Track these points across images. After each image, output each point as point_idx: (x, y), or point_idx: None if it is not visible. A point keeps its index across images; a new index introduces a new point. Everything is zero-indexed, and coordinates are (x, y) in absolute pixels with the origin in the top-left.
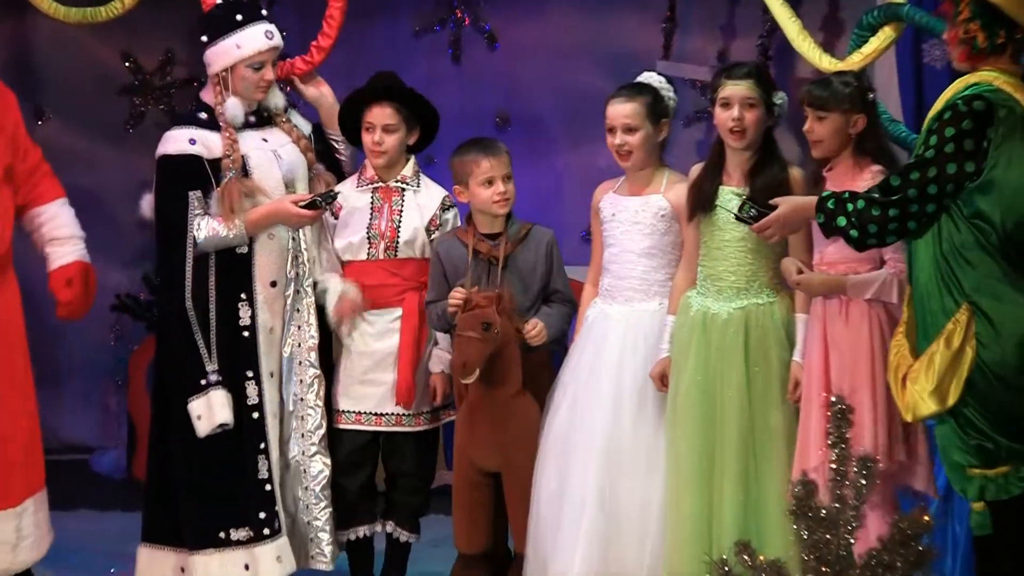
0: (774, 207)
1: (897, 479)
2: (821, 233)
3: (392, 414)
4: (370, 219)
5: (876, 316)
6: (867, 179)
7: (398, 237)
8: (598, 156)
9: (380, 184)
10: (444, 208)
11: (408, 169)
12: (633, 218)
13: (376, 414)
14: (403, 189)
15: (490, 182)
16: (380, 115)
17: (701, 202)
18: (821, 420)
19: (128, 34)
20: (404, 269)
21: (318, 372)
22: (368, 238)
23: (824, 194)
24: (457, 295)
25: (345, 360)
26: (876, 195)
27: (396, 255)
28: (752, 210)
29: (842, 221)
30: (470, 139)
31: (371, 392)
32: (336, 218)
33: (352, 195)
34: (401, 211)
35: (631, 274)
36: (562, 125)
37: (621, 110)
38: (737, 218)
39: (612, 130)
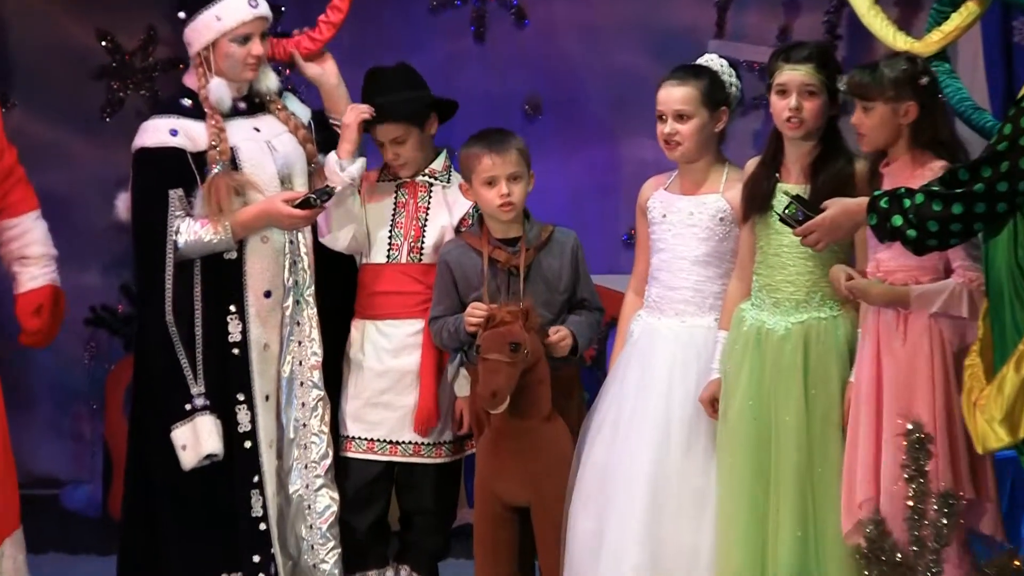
0: (821, 210)
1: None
2: (875, 237)
3: (409, 443)
4: (393, 216)
5: (938, 332)
6: (928, 177)
7: (423, 238)
8: (643, 148)
9: (405, 179)
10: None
11: (438, 162)
12: (687, 220)
13: (391, 442)
14: (431, 184)
15: (491, 183)
16: (385, 132)
17: (755, 201)
18: (871, 449)
19: (105, 9)
20: (429, 276)
21: (322, 394)
22: (389, 238)
23: (876, 192)
24: (478, 311)
25: (355, 379)
26: (937, 188)
27: (421, 259)
28: (799, 212)
29: (898, 220)
30: (482, 130)
31: (386, 417)
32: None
33: (374, 187)
34: (428, 208)
35: (683, 284)
36: (601, 113)
37: (673, 94)
38: (781, 219)
39: (662, 117)
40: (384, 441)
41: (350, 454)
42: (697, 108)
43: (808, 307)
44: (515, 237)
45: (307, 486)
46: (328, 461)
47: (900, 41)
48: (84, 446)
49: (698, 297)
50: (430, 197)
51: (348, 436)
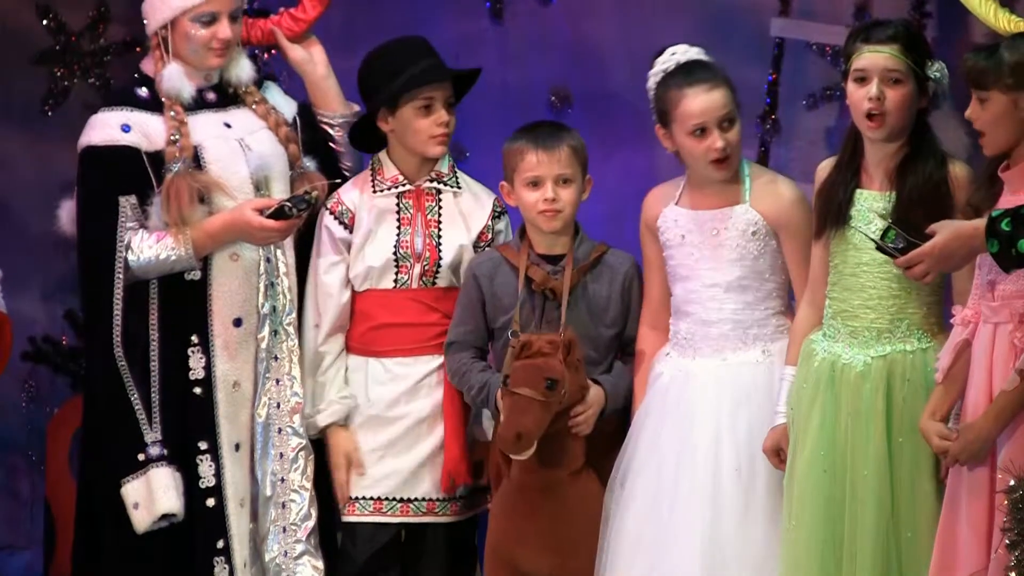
0: (925, 235)
1: None
2: (997, 265)
3: (422, 500)
4: (398, 234)
5: None
6: None
7: (440, 258)
8: None
9: (407, 186)
10: (496, 215)
11: (444, 164)
12: (713, 240)
13: (401, 500)
14: (438, 191)
15: (535, 184)
16: (439, 92)
17: (831, 213)
18: (980, 509)
19: None
20: (445, 302)
21: (304, 442)
22: (396, 260)
23: (994, 213)
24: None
25: (357, 428)
26: None
27: (435, 282)
28: (899, 238)
29: None
30: (533, 122)
31: (395, 469)
32: (348, 229)
33: (367, 202)
34: (439, 222)
35: (718, 316)
36: (643, 107)
37: (715, 100)
38: (878, 247)
39: (704, 130)
40: (393, 499)
41: (354, 518)
42: (736, 111)
43: (892, 338)
44: (559, 255)
45: (285, 553)
46: (311, 523)
47: (1003, 20)
48: (21, 506)
49: (738, 329)
50: (440, 207)
51: (352, 496)
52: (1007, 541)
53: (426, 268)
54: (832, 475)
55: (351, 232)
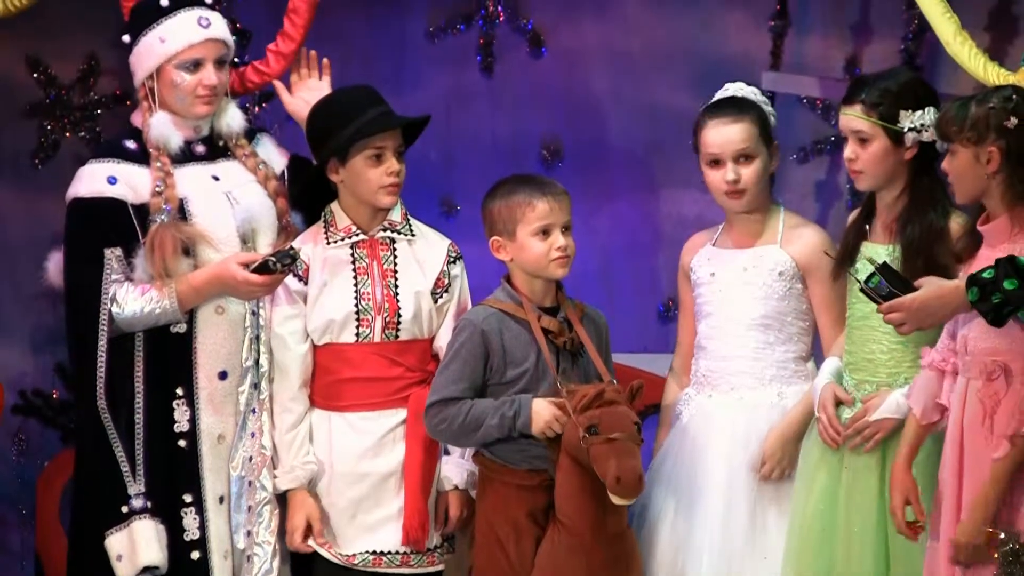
0: (913, 287)
1: None
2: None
3: (396, 553)
4: (356, 286)
5: None
6: None
7: (399, 309)
8: (683, 202)
9: (360, 236)
10: (451, 260)
11: (396, 212)
12: (741, 278)
13: (374, 553)
14: (392, 240)
15: (546, 232)
16: (390, 139)
17: (841, 260)
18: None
19: (37, 34)
20: (407, 355)
21: (268, 496)
22: (357, 312)
23: (971, 275)
24: (556, 405)
25: (322, 485)
26: None
27: (398, 335)
28: (882, 284)
29: (1011, 283)
30: (515, 176)
31: (367, 526)
32: (303, 281)
33: (321, 253)
34: (396, 271)
35: (738, 352)
36: (633, 159)
37: (731, 133)
38: (862, 290)
39: (718, 162)
40: (366, 552)
41: (329, 554)
42: (758, 146)
43: (894, 387)
44: (550, 306)
45: None
46: None
47: (992, 73)
48: (12, 559)
49: (756, 367)
50: (395, 256)
51: (343, 553)
52: None
53: (387, 321)
54: (828, 531)
55: (306, 284)
